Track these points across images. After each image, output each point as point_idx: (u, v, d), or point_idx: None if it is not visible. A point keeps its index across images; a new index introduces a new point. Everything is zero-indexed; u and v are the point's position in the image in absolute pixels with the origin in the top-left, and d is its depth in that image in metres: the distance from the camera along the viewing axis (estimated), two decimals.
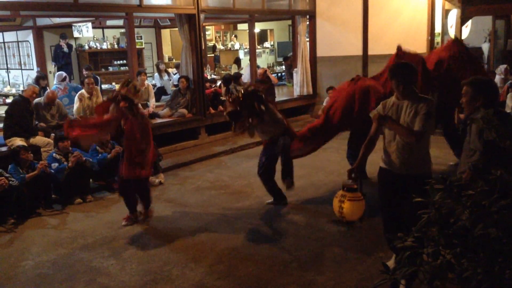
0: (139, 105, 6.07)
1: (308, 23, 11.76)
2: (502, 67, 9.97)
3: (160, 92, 11.03)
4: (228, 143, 9.32)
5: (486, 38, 13.11)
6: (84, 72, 10.38)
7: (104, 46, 13.64)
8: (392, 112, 3.65)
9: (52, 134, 7.09)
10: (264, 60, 17.22)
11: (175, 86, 10.58)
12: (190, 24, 9.05)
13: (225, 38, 18.00)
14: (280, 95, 12.14)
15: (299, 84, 11.70)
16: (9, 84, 12.89)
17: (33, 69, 12.40)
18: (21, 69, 13.08)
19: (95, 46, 13.31)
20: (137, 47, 11.33)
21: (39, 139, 6.95)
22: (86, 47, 13.19)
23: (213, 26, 16.88)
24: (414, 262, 1.67)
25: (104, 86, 11.36)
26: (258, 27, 15.73)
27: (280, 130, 5.72)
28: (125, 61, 13.28)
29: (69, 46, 12.22)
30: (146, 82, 9.34)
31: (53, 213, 6.07)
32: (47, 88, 9.39)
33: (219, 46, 17.03)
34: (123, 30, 13.25)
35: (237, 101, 5.45)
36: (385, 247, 4.31)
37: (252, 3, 10.63)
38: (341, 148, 6.58)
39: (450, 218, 1.68)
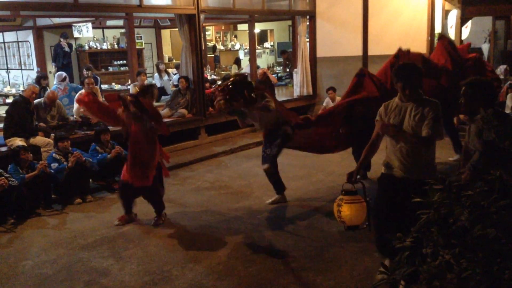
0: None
1: (308, 23, 11.77)
2: (502, 67, 9.98)
3: (160, 92, 11.01)
4: (228, 144, 9.32)
5: (486, 39, 13.12)
6: (85, 72, 10.37)
7: (104, 46, 13.64)
8: (395, 114, 3.56)
9: (52, 134, 7.09)
10: (264, 61, 17.24)
11: (175, 86, 10.58)
12: (190, 24, 9.05)
13: (225, 39, 18.01)
14: (280, 96, 12.14)
15: (299, 85, 11.70)
16: (9, 84, 12.90)
17: (33, 69, 12.40)
18: (21, 69, 13.09)
19: (95, 46, 13.31)
20: (137, 47, 11.35)
21: (39, 139, 6.95)
22: (86, 47, 13.19)
23: (213, 27, 16.89)
24: (413, 262, 1.67)
25: (104, 86, 11.36)
26: (258, 27, 15.74)
27: (274, 119, 5.72)
28: (125, 61, 13.28)
29: (69, 46, 12.18)
30: (146, 82, 9.33)
31: (52, 213, 6.06)
32: (48, 88, 9.38)
33: (219, 47, 17.04)
34: (123, 30, 13.26)
35: (226, 90, 5.41)
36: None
37: (252, 3, 10.63)
38: None
39: (449, 218, 1.68)
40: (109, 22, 13.33)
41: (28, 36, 12.46)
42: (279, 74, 15.51)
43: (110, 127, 7.12)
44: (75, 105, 8.03)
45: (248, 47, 13.37)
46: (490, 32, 12.97)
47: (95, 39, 13.44)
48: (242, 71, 13.05)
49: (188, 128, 9.22)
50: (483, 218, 1.61)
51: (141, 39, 13.82)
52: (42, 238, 5.27)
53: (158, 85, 11.26)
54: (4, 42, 13.51)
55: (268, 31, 18.30)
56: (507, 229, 1.58)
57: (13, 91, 11.52)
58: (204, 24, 12.14)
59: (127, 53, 10.55)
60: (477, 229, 1.59)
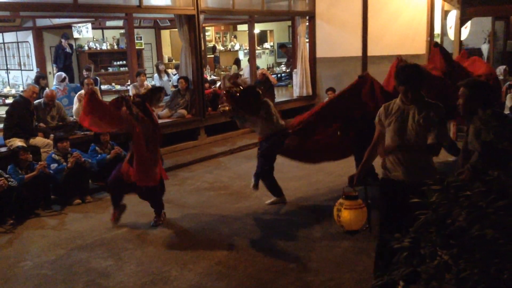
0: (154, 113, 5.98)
1: (307, 24, 11.77)
2: (502, 68, 9.97)
3: None
4: (227, 144, 9.33)
5: (485, 39, 13.11)
6: (85, 73, 10.38)
7: (104, 47, 13.65)
8: (396, 117, 3.46)
9: (51, 135, 7.09)
10: (264, 61, 17.24)
11: (175, 87, 10.59)
12: (190, 24, 9.05)
13: (225, 39, 18.01)
14: (280, 96, 12.15)
15: (299, 85, 11.70)
16: (9, 85, 12.89)
17: (32, 70, 12.39)
18: (21, 69, 13.08)
19: (94, 47, 13.31)
20: (136, 47, 11.35)
21: (38, 140, 6.95)
22: (86, 47, 13.19)
23: (212, 27, 16.90)
24: (411, 262, 1.67)
25: (104, 87, 11.36)
26: (258, 28, 15.74)
27: (273, 130, 5.78)
28: (124, 62, 13.29)
29: (70, 47, 12.09)
30: (145, 83, 9.34)
31: (52, 213, 6.06)
32: (47, 88, 9.37)
33: (219, 47, 17.05)
34: (122, 31, 13.26)
35: (234, 98, 5.47)
36: None
37: (252, 4, 10.64)
38: None
39: (447, 219, 1.68)
40: (109, 23, 13.33)
41: (27, 37, 12.46)
42: (279, 75, 15.54)
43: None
44: (75, 106, 8.03)
45: (247, 48, 13.37)
46: (490, 33, 12.96)
47: (94, 39, 13.44)
48: (242, 72, 13.06)
49: (187, 129, 9.22)
50: (481, 218, 1.62)
51: (141, 39, 13.82)
52: (42, 238, 5.27)
53: (158, 85, 11.27)
54: (3, 43, 13.51)
55: (268, 31, 18.31)
56: (505, 230, 1.58)
57: (13, 91, 11.52)
58: (203, 25, 12.14)
59: (127, 53, 10.56)
60: (475, 230, 1.59)
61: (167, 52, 15.59)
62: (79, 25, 11.94)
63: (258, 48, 16.59)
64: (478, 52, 13.04)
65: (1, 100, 10.47)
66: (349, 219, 3.62)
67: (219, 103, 5.74)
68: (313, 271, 4.25)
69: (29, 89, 7.12)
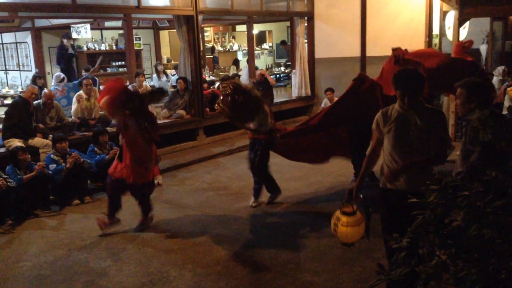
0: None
1: (306, 24, 11.78)
2: (500, 68, 9.99)
3: None
4: (226, 145, 9.33)
5: (484, 40, 13.14)
6: (84, 73, 10.36)
7: (103, 47, 13.63)
8: (396, 125, 3.29)
9: (50, 136, 7.09)
10: (262, 62, 17.25)
11: (174, 87, 10.59)
12: (189, 25, 9.05)
13: (224, 40, 18.02)
14: (279, 97, 12.16)
15: (297, 86, 11.71)
16: (7, 85, 12.88)
17: (31, 70, 12.37)
18: (20, 70, 13.07)
19: (93, 47, 13.30)
20: (135, 48, 11.33)
21: (37, 141, 6.95)
22: (85, 48, 13.18)
23: (211, 28, 16.91)
24: (409, 262, 1.68)
25: (102, 87, 11.32)
26: (257, 28, 15.77)
27: (267, 128, 5.81)
28: (123, 63, 13.28)
29: (73, 47, 11.92)
30: (144, 83, 9.34)
31: (51, 214, 6.06)
32: (44, 87, 9.36)
33: (218, 48, 17.05)
34: (121, 32, 13.24)
35: (234, 104, 5.48)
36: (382, 249, 4.31)
37: (251, 4, 10.65)
38: None
39: (445, 219, 1.69)
40: (108, 23, 13.32)
41: (26, 37, 12.44)
42: (277, 75, 15.55)
43: (108, 128, 7.08)
44: (73, 106, 8.03)
45: (246, 48, 13.38)
46: (488, 33, 12.99)
47: (93, 40, 13.43)
48: (241, 72, 13.06)
49: (186, 129, 9.23)
50: (479, 218, 1.62)
51: (140, 40, 13.81)
52: (40, 239, 5.27)
53: (156, 86, 11.27)
54: (2, 43, 13.49)
55: (267, 32, 18.32)
56: (502, 230, 1.59)
57: (12, 92, 11.50)
58: (202, 25, 12.15)
59: (126, 54, 10.54)
60: (472, 230, 1.60)
61: (165, 53, 15.59)
62: (78, 25, 11.92)
63: (257, 48, 16.60)
64: (476, 52, 13.07)
65: None
66: (346, 235, 3.42)
67: (218, 102, 5.69)
68: (312, 271, 4.26)
69: (28, 90, 7.12)
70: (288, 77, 14.48)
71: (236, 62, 16.12)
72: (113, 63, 13.70)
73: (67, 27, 11.98)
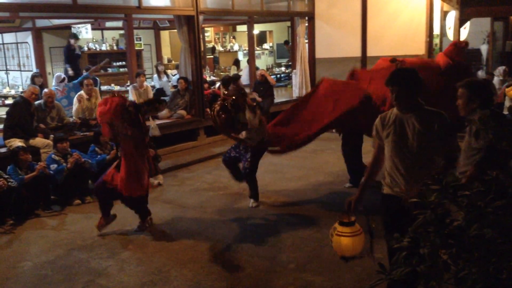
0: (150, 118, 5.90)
1: (307, 24, 11.78)
2: (501, 68, 10.00)
3: (159, 93, 11.03)
4: (226, 145, 9.28)
5: (484, 40, 13.14)
6: (83, 73, 10.34)
7: (103, 48, 13.64)
8: (394, 128, 3.17)
9: (51, 136, 7.09)
10: (263, 62, 17.25)
11: (174, 87, 10.59)
12: (189, 25, 9.06)
13: (224, 40, 18.03)
14: (279, 97, 12.15)
15: (298, 86, 11.72)
16: (8, 86, 12.89)
17: (32, 71, 12.38)
18: (20, 70, 13.08)
19: (94, 48, 13.31)
20: (136, 48, 11.35)
21: (38, 141, 6.95)
22: (85, 48, 13.18)
23: (212, 28, 16.92)
24: (410, 262, 1.68)
25: (103, 88, 11.33)
26: (257, 28, 15.77)
27: (260, 138, 5.83)
28: (124, 63, 13.28)
29: (79, 47, 11.69)
30: (145, 83, 9.35)
31: (51, 214, 6.07)
32: (44, 86, 9.34)
33: (218, 48, 17.06)
34: (122, 32, 13.25)
35: (227, 119, 5.52)
36: (383, 249, 4.31)
37: (251, 4, 10.65)
38: (338, 149, 6.60)
39: (446, 219, 1.69)
40: (108, 24, 13.32)
41: (27, 37, 12.45)
42: (278, 75, 15.55)
43: None
44: (74, 106, 8.04)
45: (247, 48, 13.38)
46: (489, 33, 12.99)
47: (94, 40, 13.43)
48: (241, 73, 13.07)
49: (187, 129, 9.23)
50: (479, 218, 1.62)
51: (140, 40, 13.82)
52: (41, 239, 5.28)
53: (157, 86, 11.28)
54: (3, 44, 13.50)
55: (267, 32, 18.33)
56: (503, 229, 1.59)
57: (12, 92, 11.51)
58: (203, 25, 12.16)
59: (126, 54, 10.55)
60: (473, 229, 1.60)
61: (166, 53, 15.60)
62: (79, 26, 11.92)
63: (258, 48, 16.61)
64: (477, 52, 13.08)
65: (0, 101, 10.46)
66: (339, 245, 3.21)
67: (214, 110, 5.64)
68: (312, 271, 4.26)
69: (29, 90, 7.13)
70: (288, 77, 14.48)
71: (236, 62, 16.13)
72: (114, 63, 13.71)
73: (68, 27, 11.99)
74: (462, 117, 3.64)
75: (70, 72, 10.80)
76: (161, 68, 11.68)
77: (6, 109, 7.84)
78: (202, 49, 10.06)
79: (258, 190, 6.08)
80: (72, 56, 11.10)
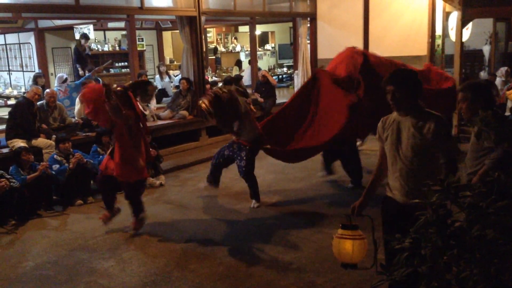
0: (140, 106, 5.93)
1: (309, 25, 11.78)
2: (503, 69, 9.99)
3: (161, 94, 11.05)
4: None
5: (487, 41, 13.13)
6: (86, 73, 10.36)
7: (106, 48, 13.66)
8: (392, 130, 3.11)
9: (54, 136, 7.11)
10: (265, 62, 17.25)
11: (176, 87, 10.61)
12: (191, 26, 9.07)
13: (226, 40, 18.02)
14: (281, 97, 12.14)
15: (300, 86, 11.70)
16: (11, 86, 12.92)
17: (34, 71, 12.40)
18: (23, 71, 13.10)
19: (96, 48, 13.33)
20: (138, 49, 11.34)
21: (40, 141, 6.97)
22: (88, 49, 13.19)
23: (214, 28, 16.91)
24: (412, 263, 1.68)
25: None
26: (259, 29, 15.76)
27: (256, 135, 5.86)
28: (126, 63, 13.30)
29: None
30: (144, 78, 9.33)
31: (53, 214, 6.08)
32: (46, 87, 9.35)
33: (220, 48, 17.07)
34: (124, 32, 13.25)
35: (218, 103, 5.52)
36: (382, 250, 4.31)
37: (253, 5, 10.66)
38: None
39: (448, 219, 1.69)
40: (111, 24, 13.33)
41: (29, 38, 12.47)
42: (280, 76, 15.54)
43: None
44: (77, 107, 8.05)
45: (249, 49, 13.39)
46: (491, 34, 12.98)
47: (96, 41, 13.45)
48: (243, 73, 13.07)
49: (189, 130, 9.24)
50: (481, 219, 1.62)
51: (143, 41, 13.82)
52: (43, 239, 5.29)
53: (159, 86, 11.29)
54: (5, 44, 13.53)
55: (269, 33, 18.31)
56: (505, 230, 1.59)
57: (15, 92, 11.53)
58: (205, 26, 12.14)
59: (129, 55, 10.56)
60: (475, 230, 1.60)
61: (168, 54, 15.61)
62: (81, 26, 11.94)
63: (260, 49, 16.61)
64: (479, 53, 13.06)
65: (3, 101, 10.49)
66: (338, 248, 3.07)
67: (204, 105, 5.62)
68: (314, 272, 4.26)
69: (32, 91, 7.15)
70: (290, 78, 14.48)
71: (238, 63, 16.13)
72: (116, 64, 13.73)
73: (70, 28, 12.01)
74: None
75: (81, 72, 10.80)
76: (163, 68, 11.70)
77: (9, 109, 7.87)
78: (204, 49, 10.07)
79: (258, 190, 6.06)
80: (82, 57, 11.10)
